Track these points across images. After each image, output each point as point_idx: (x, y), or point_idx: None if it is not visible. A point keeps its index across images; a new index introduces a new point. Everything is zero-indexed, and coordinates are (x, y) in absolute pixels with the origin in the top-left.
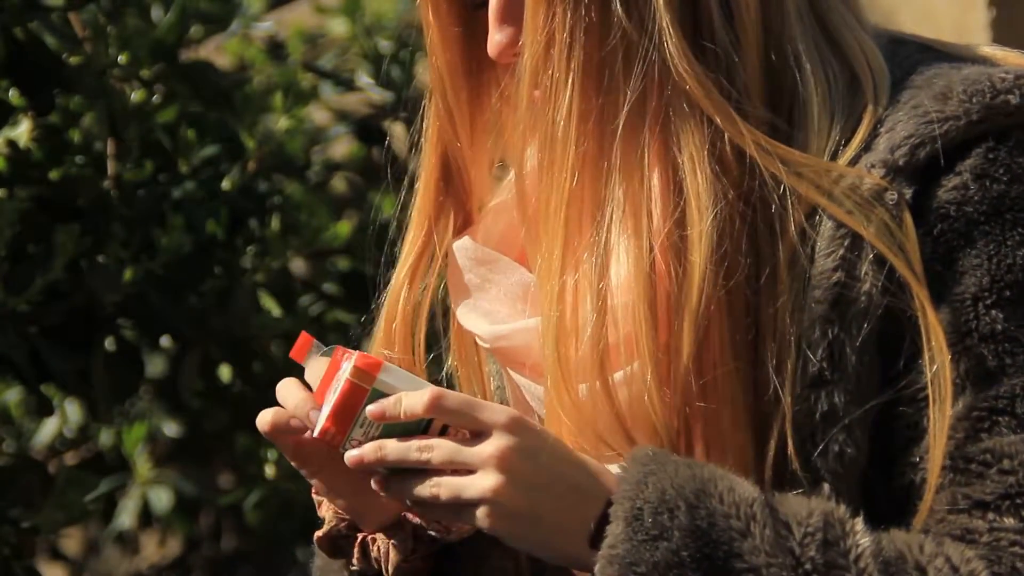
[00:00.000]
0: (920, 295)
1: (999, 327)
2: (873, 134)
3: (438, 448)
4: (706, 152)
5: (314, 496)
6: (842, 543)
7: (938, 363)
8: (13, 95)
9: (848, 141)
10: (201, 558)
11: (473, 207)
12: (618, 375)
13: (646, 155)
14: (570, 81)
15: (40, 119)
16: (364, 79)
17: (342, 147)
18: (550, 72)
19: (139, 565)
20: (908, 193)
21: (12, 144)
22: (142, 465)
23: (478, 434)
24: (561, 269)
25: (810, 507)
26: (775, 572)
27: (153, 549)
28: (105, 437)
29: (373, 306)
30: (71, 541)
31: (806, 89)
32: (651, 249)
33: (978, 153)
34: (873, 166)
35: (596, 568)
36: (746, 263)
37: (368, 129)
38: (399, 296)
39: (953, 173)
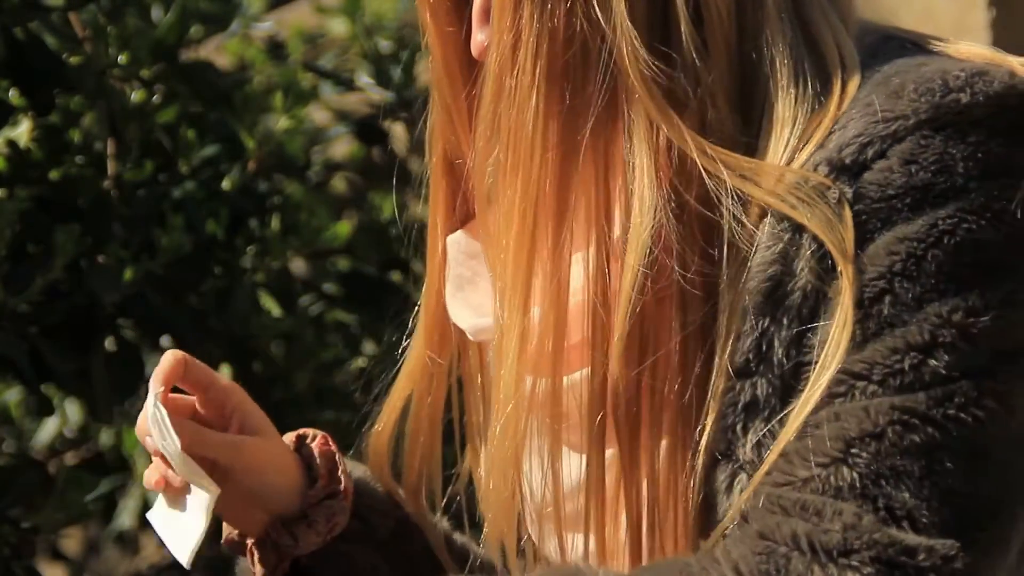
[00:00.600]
0: (845, 270)
1: (886, 309)
2: (830, 132)
3: None
4: (652, 158)
5: None
6: None
7: (834, 337)
8: (13, 95)
9: (806, 144)
10: (201, 558)
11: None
12: (572, 377)
13: (607, 159)
14: (536, 84)
15: (40, 119)
16: (364, 79)
17: (342, 147)
18: (515, 73)
19: (139, 565)
20: (849, 192)
21: (12, 144)
22: (142, 465)
23: None
24: (526, 269)
25: None
26: None
27: (153, 549)
28: (105, 437)
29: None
30: (71, 541)
31: (775, 95)
32: (604, 252)
33: (911, 139)
34: (818, 164)
35: None
36: (680, 266)
37: (368, 129)
38: (433, 294)
39: (883, 158)
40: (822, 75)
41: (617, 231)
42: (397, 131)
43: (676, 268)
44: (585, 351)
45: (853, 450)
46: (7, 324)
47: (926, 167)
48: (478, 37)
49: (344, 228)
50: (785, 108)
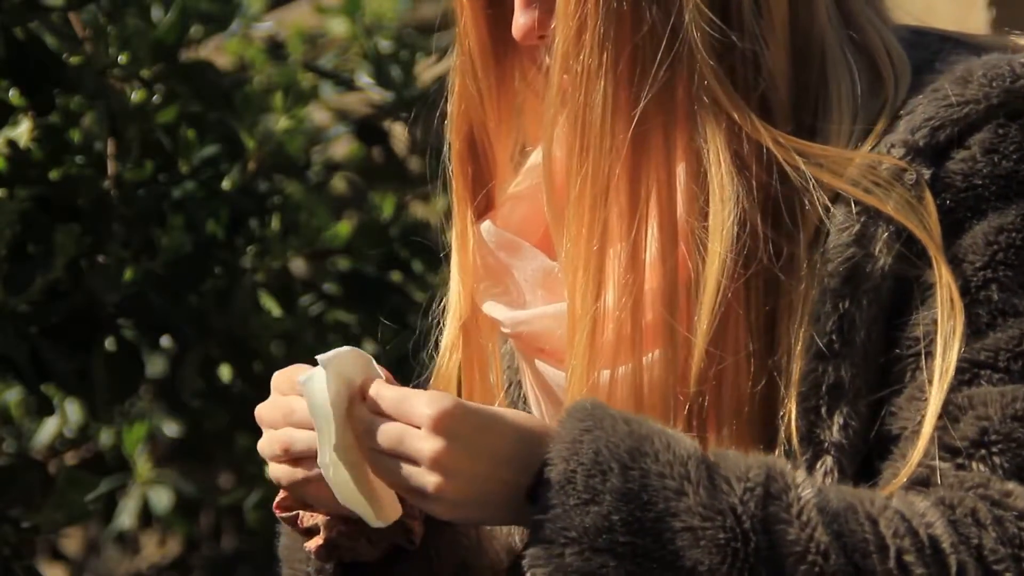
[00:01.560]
0: (937, 258)
1: (995, 296)
2: (894, 119)
3: (383, 433)
4: (728, 145)
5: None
6: (784, 496)
7: (945, 325)
8: (13, 95)
9: (869, 132)
10: (201, 558)
11: (495, 190)
12: (644, 359)
13: (674, 145)
14: (603, 69)
15: (40, 119)
16: (364, 79)
17: (342, 147)
18: (582, 58)
19: (139, 565)
20: (927, 174)
21: (12, 144)
22: (142, 465)
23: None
24: (598, 254)
25: (749, 462)
26: (712, 532)
27: (153, 549)
28: (105, 437)
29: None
30: (71, 541)
31: (831, 85)
32: (675, 238)
33: (989, 128)
34: (893, 146)
35: (529, 533)
36: (765, 252)
37: (368, 129)
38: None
39: (963, 147)
40: (870, 65)
41: (681, 215)
42: (397, 131)
43: (761, 254)
44: (657, 335)
45: (993, 436)
46: (7, 324)
47: (1008, 156)
48: (520, 19)
49: (344, 228)
50: (842, 99)
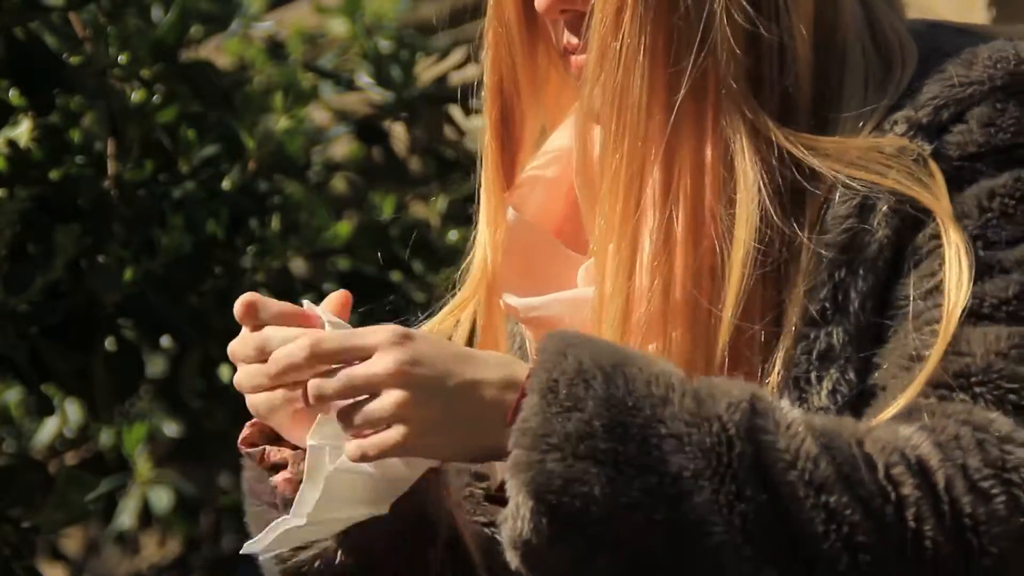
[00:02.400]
0: (945, 221)
1: (982, 253)
2: (900, 98)
3: (330, 383)
4: (750, 135)
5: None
6: (770, 413)
7: (952, 278)
8: (13, 95)
9: (874, 112)
10: (201, 558)
11: (518, 166)
12: (670, 337)
13: (705, 131)
14: (642, 50)
15: (40, 119)
16: (364, 79)
17: (342, 147)
18: (621, 37)
19: (139, 565)
20: (927, 150)
21: (12, 144)
22: (142, 465)
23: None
24: (632, 233)
25: (732, 384)
26: (698, 437)
27: (153, 549)
28: (105, 437)
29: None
30: (71, 541)
31: (847, 80)
32: (704, 222)
33: (987, 104)
34: (896, 123)
35: (509, 441)
36: (780, 242)
37: (368, 129)
38: (484, 251)
39: (961, 121)
40: (885, 61)
41: (709, 200)
42: (397, 131)
43: (777, 244)
44: (683, 316)
45: (975, 371)
46: (7, 324)
47: (1005, 129)
48: None
49: (344, 228)
50: (856, 88)
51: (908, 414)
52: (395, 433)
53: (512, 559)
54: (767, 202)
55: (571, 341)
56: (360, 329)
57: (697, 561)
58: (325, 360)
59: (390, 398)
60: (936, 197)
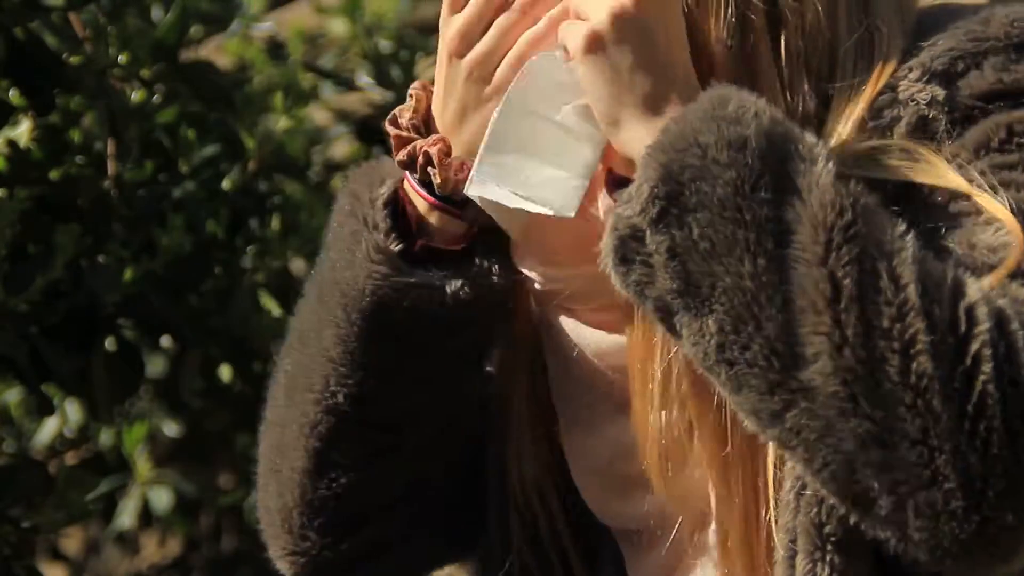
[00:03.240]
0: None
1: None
2: (915, 48)
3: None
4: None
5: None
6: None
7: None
8: (13, 95)
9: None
10: (201, 558)
11: None
12: None
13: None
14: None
15: (40, 119)
16: (364, 79)
17: (342, 147)
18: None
19: (139, 565)
20: (941, 95)
21: (12, 144)
22: (142, 465)
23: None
24: None
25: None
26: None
27: (153, 549)
28: (105, 437)
29: None
30: (71, 541)
31: (847, 60)
32: None
33: (1001, 56)
34: (911, 69)
35: (660, 126)
36: None
37: (368, 129)
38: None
39: (977, 69)
40: (878, 42)
41: None
42: None
43: None
44: None
45: None
46: (7, 324)
47: (1018, 74)
48: None
49: None
50: (856, 67)
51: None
52: (583, 38)
53: (608, 245)
54: None
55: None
56: None
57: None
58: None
59: (605, 6)
60: (940, 142)
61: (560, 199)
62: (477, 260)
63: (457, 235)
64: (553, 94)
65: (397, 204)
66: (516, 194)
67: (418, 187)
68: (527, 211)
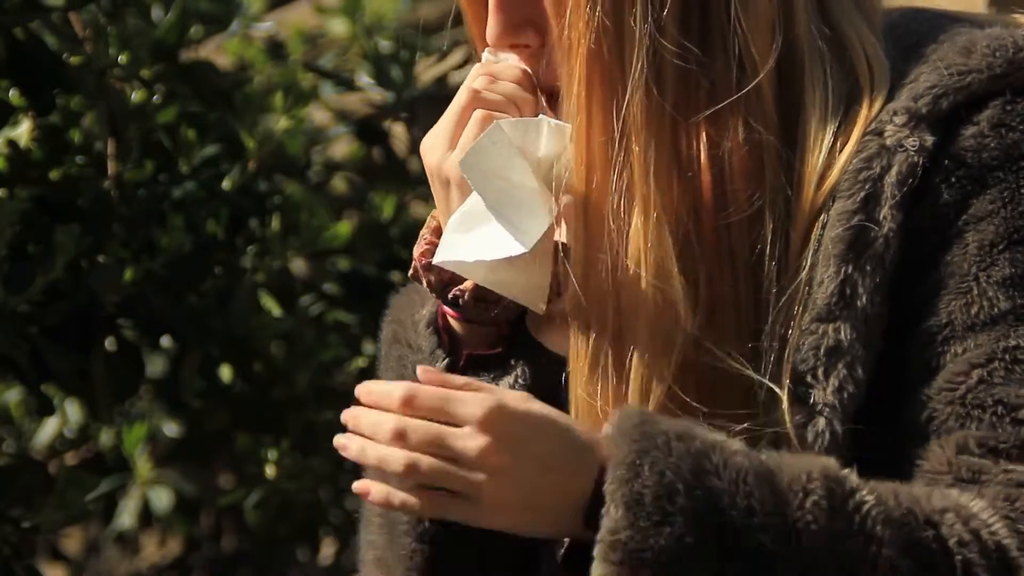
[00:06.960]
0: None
1: (1008, 271)
2: (897, 86)
3: (416, 432)
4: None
5: None
6: (848, 503)
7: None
8: (13, 95)
9: (843, 145)
10: (201, 558)
11: None
12: None
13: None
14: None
15: (40, 119)
16: (364, 79)
17: (342, 147)
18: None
19: (139, 565)
20: (929, 141)
21: (12, 144)
22: (142, 465)
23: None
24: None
25: (808, 468)
26: (783, 551)
27: (153, 549)
28: (105, 437)
29: None
30: (71, 541)
31: (808, 106)
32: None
33: (995, 105)
34: (896, 113)
35: (597, 552)
36: (750, 196)
37: (368, 129)
38: None
39: (971, 123)
40: (848, 78)
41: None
42: (397, 131)
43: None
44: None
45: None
46: (7, 324)
47: (1015, 128)
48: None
49: (344, 228)
50: (816, 122)
51: (974, 477)
52: (467, 509)
53: None
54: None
55: (642, 447)
56: (457, 394)
57: None
58: (419, 412)
59: (473, 477)
60: (934, 213)
61: (512, 242)
62: (512, 361)
63: (491, 339)
64: (504, 161)
65: (436, 323)
66: (474, 249)
67: (445, 307)
68: (486, 260)
